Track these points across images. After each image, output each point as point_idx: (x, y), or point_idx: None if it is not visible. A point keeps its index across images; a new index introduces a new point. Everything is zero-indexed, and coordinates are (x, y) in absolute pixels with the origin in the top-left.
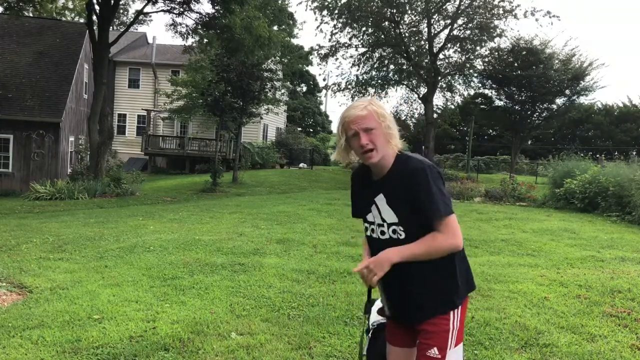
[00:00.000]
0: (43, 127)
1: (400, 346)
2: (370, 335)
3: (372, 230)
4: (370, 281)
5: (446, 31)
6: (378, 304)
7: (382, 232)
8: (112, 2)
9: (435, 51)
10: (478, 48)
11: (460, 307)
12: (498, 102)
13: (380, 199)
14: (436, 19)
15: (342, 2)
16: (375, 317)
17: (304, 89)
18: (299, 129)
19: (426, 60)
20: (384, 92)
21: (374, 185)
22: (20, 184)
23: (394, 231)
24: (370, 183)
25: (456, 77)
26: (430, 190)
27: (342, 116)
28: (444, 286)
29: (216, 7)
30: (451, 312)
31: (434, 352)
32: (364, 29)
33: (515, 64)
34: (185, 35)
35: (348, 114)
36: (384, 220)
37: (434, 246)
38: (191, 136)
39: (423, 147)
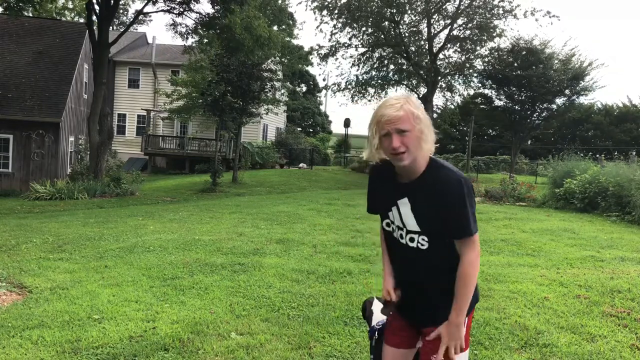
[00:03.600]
0: (43, 127)
1: (398, 347)
2: (376, 335)
3: (393, 229)
4: (458, 352)
5: (446, 31)
6: (378, 303)
7: (401, 236)
8: (112, 2)
9: (435, 51)
10: (478, 48)
11: (467, 316)
12: (498, 102)
13: (404, 203)
14: (436, 18)
15: (342, 2)
16: (379, 317)
17: (304, 89)
18: (299, 129)
19: (426, 60)
20: (383, 92)
21: (398, 187)
22: (20, 184)
23: (412, 239)
24: (394, 183)
25: (456, 77)
26: (465, 206)
27: (376, 114)
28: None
29: (216, 7)
30: None
31: (440, 357)
32: (363, 29)
33: (515, 64)
34: (185, 35)
35: (383, 113)
36: (404, 225)
37: (471, 278)
38: (191, 136)
39: None
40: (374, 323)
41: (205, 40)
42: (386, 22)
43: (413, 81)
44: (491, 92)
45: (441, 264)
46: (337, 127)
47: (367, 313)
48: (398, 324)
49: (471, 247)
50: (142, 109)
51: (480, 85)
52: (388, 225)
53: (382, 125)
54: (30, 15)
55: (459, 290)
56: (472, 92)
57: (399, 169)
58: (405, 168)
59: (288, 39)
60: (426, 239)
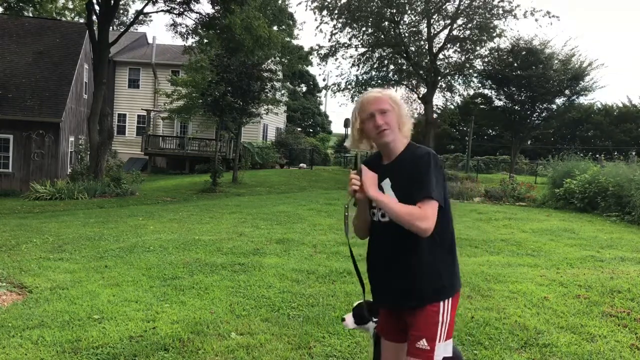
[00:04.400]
0: (43, 127)
1: (393, 341)
2: (374, 338)
3: (374, 214)
4: (352, 187)
5: (446, 31)
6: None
7: (383, 215)
8: (112, 2)
9: (435, 51)
10: (478, 48)
11: (450, 299)
12: (498, 102)
13: (386, 184)
14: (436, 19)
15: (342, 2)
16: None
17: (304, 89)
18: (299, 129)
19: (426, 61)
20: None
21: (381, 171)
22: (20, 184)
23: None
24: (378, 169)
25: (456, 77)
26: (429, 171)
27: (358, 101)
28: (435, 275)
29: (216, 7)
30: (441, 303)
31: (423, 343)
32: (363, 29)
33: (515, 64)
34: (185, 36)
35: (365, 97)
36: None
37: (410, 215)
38: (191, 136)
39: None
40: (373, 327)
41: (205, 41)
42: (386, 22)
43: (413, 81)
44: (491, 92)
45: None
46: (337, 127)
47: (365, 318)
48: (388, 318)
49: (424, 208)
50: (142, 109)
51: (480, 85)
52: (374, 214)
53: (365, 108)
54: (31, 15)
55: (400, 204)
56: (472, 92)
57: (383, 149)
58: (388, 147)
59: (288, 39)
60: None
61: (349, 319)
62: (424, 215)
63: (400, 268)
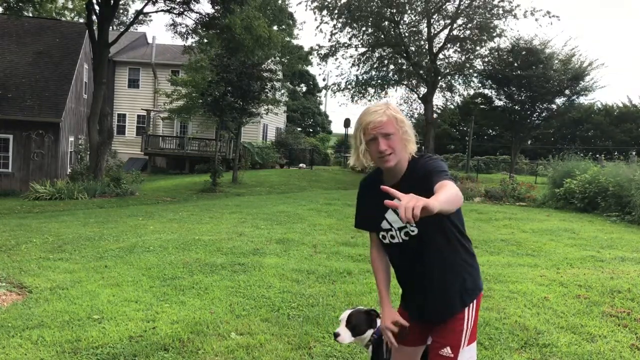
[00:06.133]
0: (43, 127)
1: (411, 345)
2: (375, 344)
3: (392, 236)
4: (415, 213)
5: (446, 31)
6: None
7: (407, 234)
8: (112, 2)
9: (435, 51)
10: (478, 48)
11: (474, 303)
12: (498, 102)
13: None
14: (436, 18)
15: (342, 2)
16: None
17: (304, 89)
18: (299, 129)
19: (426, 60)
20: (383, 92)
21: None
22: (20, 184)
23: (412, 230)
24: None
25: (456, 77)
26: (442, 165)
27: (360, 121)
28: (460, 282)
29: (216, 7)
30: (466, 310)
31: (447, 351)
32: (363, 29)
33: (515, 64)
34: (185, 35)
35: (368, 120)
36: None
37: (455, 192)
38: (191, 136)
39: (422, 147)
40: (370, 333)
41: (205, 40)
42: (386, 22)
43: (413, 81)
44: (491, 92)
45: (439, 242)
46: (337, 127)
47: (362, 329)
48: (410, 323)
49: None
50: (142, 109)
51: (480, 85)
52: (384, 237)
53: (368, 131)
54: (30, 15)
55: (444, 192)
56: (472, 92)
57: (386, 172)
58: (392, 170)
59: (288, 39)
60: (414, 223)
61: (345, 332)
62: (454, 186)
63: (439, 280)
